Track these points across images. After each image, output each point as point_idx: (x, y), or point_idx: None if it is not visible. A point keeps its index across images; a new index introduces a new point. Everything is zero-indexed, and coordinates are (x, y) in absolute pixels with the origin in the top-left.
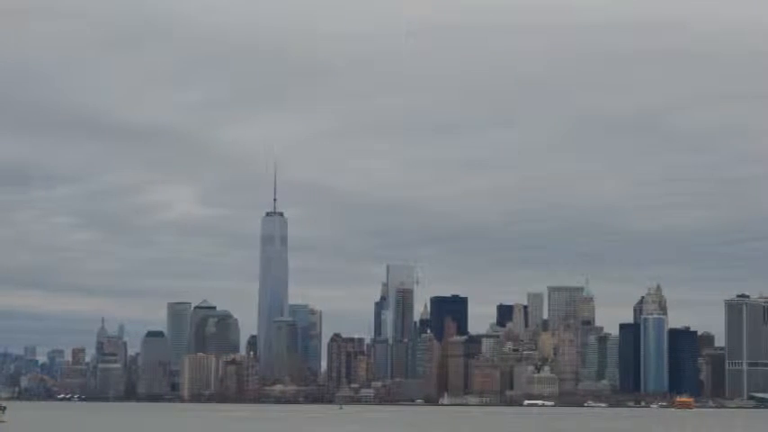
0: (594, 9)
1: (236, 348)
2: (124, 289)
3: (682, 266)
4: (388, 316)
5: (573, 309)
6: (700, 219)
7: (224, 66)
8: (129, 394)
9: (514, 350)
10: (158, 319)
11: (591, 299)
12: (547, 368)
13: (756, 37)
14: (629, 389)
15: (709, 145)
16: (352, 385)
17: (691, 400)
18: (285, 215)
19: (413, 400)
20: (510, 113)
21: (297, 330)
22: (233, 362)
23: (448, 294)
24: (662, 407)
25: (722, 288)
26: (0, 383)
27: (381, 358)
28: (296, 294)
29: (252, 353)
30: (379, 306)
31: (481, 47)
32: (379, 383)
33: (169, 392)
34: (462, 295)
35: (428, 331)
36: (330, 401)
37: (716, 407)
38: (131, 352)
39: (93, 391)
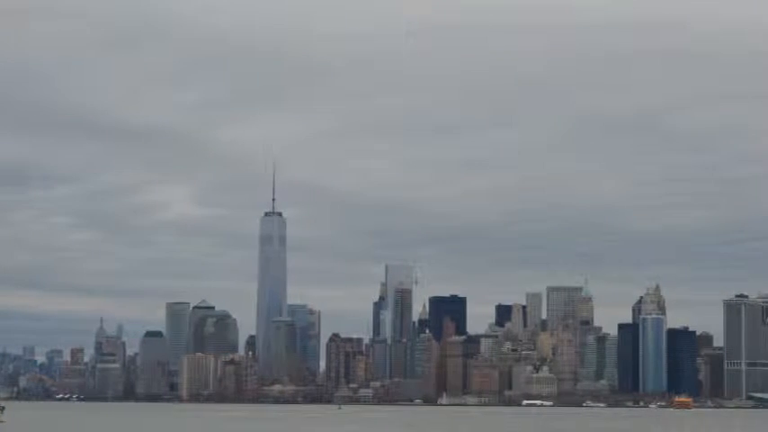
0: (594, 9)
1: (234, 348)
2: (123, 289)
3: (681, 266)
4: (387, 316)
5: (572, 309)
6: (699, 219)
7: (223, 66)
8: (128, 394)
9: (513, 350)
10: (157, 319)
11: (590, 299)
12: (545, 368)
13: (756, 37)
14: (628, 389)
15: (709, 145)
16: (351, 385)
17: (689, 400)
18: (284, 215)
19: (411, 401)
20: (510, 113)
21: (295, 330)
22: (232, 362)
23: (447, 294)
24: (660, 407)
25: (721, 288)
26: None
27: (380, 358)
28: (295, 294)
29: (250, 353)
30: (378, 306)
31: (481, 47)
32: (377, 383)
33: (168, 392)
34: (461, 295)
35: (427, 331)
36: (329, 401)
37: (714, 407)
38: (130, 352)
39: (92, 391)
